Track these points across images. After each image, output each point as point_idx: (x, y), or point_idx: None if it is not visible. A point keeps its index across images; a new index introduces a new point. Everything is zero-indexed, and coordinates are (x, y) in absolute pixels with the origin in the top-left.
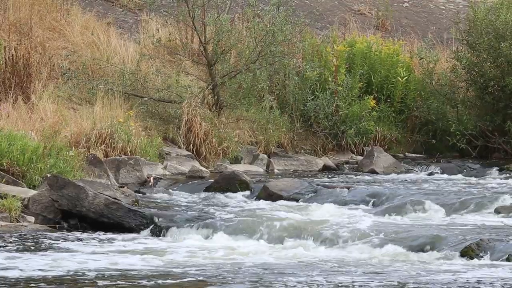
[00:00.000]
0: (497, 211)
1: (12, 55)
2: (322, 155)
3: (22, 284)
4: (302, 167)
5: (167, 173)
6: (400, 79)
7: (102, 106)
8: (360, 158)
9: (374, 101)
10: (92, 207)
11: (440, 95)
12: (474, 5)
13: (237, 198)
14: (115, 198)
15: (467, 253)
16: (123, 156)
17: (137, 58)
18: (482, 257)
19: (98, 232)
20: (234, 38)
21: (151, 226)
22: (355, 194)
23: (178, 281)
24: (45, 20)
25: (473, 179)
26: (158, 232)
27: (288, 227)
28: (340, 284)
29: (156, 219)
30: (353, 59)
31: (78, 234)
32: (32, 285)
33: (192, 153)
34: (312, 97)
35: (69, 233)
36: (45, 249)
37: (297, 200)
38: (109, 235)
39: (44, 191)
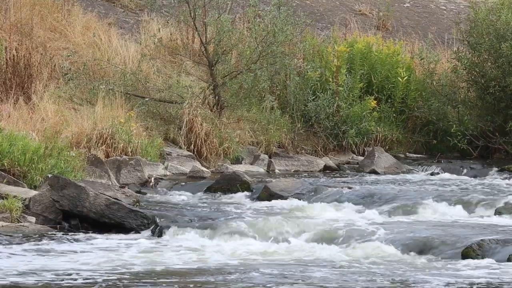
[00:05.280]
0: (498, 212)
1: (13, 55)
2: (323, 156)
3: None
4: (303, 167)
5: (168, 173)
6: (400, 79)
7: (103, 106)
8: (361, 158)
9: (374, 102)
10: (93, 208)
11: (441, 95)
12: (475, 5)
13: (238, 198)
14: (116, 199)
15: (468, 253)
16: (124, 157)
17: (138, 59)
18: (483, 257)
19: (99, 233)
20: (235, 38)
21: (152, 227)
22: (356, 194)
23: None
24: (46, 20)
25: (474, 180)
26: (159, 232)
27: (289, 227)
28: (341, 284)
29: (157, 220)
30: (353, 60)
31: (79, 234)
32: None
33: (193, 153)
34: (313, 97)
35: (69, 234)
36: (47, 250)
37: (298, 200)
38: (110, 235)
39: (45, 191)
